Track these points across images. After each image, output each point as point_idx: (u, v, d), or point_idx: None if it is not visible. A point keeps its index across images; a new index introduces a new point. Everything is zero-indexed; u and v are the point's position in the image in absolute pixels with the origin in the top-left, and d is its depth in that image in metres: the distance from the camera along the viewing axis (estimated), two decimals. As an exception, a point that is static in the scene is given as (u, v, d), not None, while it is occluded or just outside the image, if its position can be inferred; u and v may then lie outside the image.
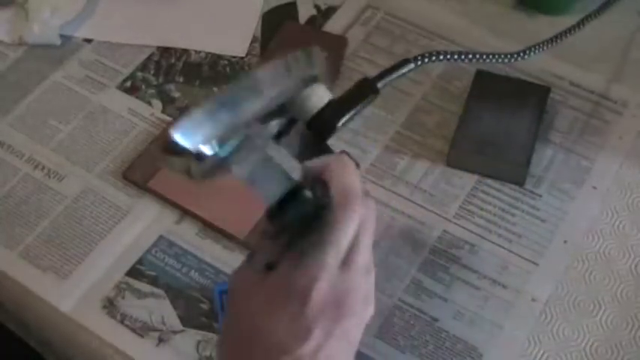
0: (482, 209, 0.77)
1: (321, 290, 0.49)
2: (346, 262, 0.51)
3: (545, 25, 0.90)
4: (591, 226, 0.76)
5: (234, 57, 0.89)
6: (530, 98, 0.81)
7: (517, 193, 0.78)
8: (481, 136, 0.78)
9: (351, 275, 0.51)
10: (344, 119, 0.52)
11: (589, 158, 0.80)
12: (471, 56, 0.65)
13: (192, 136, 0.47)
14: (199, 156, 0.47)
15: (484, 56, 0.67)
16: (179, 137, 0.47)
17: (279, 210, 0.49)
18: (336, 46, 0.88)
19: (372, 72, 0.85)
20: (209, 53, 0.89)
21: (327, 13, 0.92)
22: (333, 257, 0.50)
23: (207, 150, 0.47)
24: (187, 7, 0.93)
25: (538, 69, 0.86)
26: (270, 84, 0.49)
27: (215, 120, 0.47)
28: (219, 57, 0.89)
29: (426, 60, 0.59)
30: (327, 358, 0.50)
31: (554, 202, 0.77)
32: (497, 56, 0.68)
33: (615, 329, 0.70)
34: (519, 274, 0.73)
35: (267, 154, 0.50)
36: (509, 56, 0.70)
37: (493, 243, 0.75)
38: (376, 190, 0.78)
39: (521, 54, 0.72)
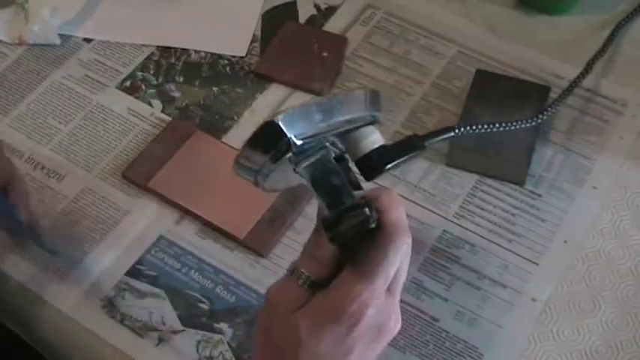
0: (482, 209, 0.77)
1: (370, 316, 0.52)
2: (389, 289, 0.54)
3: (545, 25, 0.91)
4: (591, 226, 0.76)
5: (234, 57, 0.89)
6: (530, 98, 0.81)
7: (517, 193, 0.78)
8: (481, 135, 0.78)
9: (392, 301, 0.54)
10: (391, 164, 0.56)
11: (589, 158, 0.80)
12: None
13: (292, 126, 0.51)
14: (288, 146, 0.51)
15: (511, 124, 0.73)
16: (283, 122, 0.51)
17: (335, 222, 0.52)
18: (336, 45, 0.88)
19: (371, 71, 0.87)
20: (209, 53, 0.89)
21: (327, 12, 0.92)
22: (382, 286, 0.52)
23: (298, 142, 0.51)
24: (187, 7, 0.93)
25: (538, 69, 0.86)
26: (350, 108, 0.54)
27: (310, 121, 0.52)
28: (219, 57, 0.89)
29: (468, 129, 0.65)
30: None
31: (554, 201, 0.77)
32: (523, 121, 0.74)
33: (615, 329, 0.70)
34: (519, 274, 0.73)
35: (336, 167, 0.54)
36: (533, 118, 0.75)
37: (493, 243, 0.75)
38: (376, 190, 0.78)
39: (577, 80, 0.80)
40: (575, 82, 0.81)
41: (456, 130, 0.62)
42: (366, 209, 0.51)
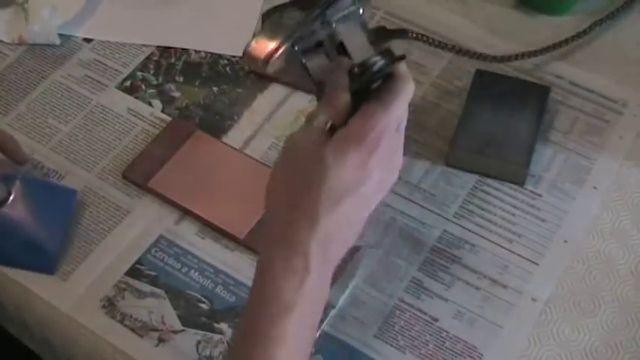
0: (482, 209, 0.77)
1: (387, 142, 0.57)
2: (397, 128, 0.59)
3: (545, 25, 0.91)
4: (591, 226, 0.76)
5: (234, 57, 0.89)
6: (530, 98, 0.81)
7: (517, 193, 0.78)
8: (481, 135, 0.78)
9: (400, 137, 0.60)
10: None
11: (589, 158, 0.80)
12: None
13: None
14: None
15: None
16: None
17: (367, 64, 0.58)
18: (336, 45, 0.88)
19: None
20: (209, 53, 0.89)
21: (327, 12, 0.92)
22: (395, 119, 0.58)
23: None
24: (187, 7, 0.93)
25: (538, 69, 0.86)
26: None
27: None
28: (219, 57, 0.89)
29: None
30: (369, 203, 0.59)
31: (554, 201, 0.77)
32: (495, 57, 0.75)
33: (615, 329, 0.70)
34: (519, 274, 0.73)
35: (364, 21, 0.63)
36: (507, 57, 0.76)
37: (493, 243, 0.75)
38: (376, 189, 0.78)
39: (522, 56, 0.77)
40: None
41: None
42: (393, 52, 0.58)
